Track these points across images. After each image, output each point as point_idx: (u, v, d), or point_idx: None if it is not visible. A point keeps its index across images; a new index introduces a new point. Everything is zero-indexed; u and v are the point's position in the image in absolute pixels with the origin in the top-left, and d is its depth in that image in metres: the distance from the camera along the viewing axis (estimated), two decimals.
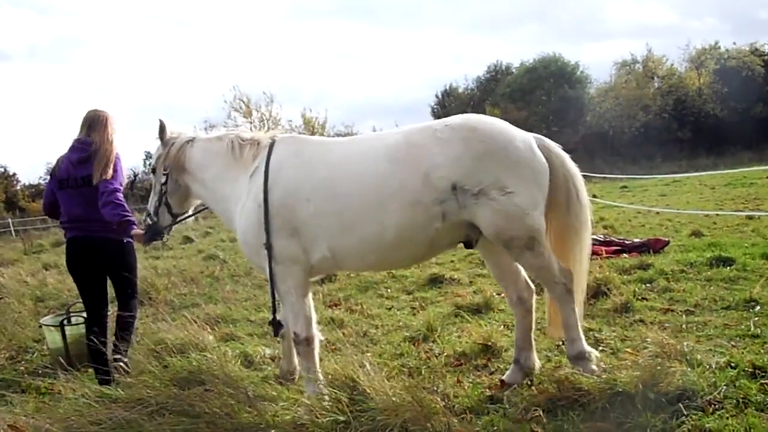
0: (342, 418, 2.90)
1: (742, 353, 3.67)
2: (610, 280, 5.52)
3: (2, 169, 44.76)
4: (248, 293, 7.17)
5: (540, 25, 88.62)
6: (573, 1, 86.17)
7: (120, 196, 4.23)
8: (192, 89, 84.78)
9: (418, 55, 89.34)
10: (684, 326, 4.47)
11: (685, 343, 3.65)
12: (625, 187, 22.22)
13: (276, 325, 3.71)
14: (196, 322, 5.41)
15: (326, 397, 3.11)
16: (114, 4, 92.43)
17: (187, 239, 14.86)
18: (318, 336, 3.73)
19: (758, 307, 4.69)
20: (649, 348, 3.60)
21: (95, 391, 3.60)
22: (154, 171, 4.26)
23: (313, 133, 46.63)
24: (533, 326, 3.76)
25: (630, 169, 27.47)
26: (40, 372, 4.63)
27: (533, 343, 3.71)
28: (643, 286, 5.83)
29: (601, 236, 8.62)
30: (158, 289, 7.46)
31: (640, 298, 5.36)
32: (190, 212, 4.47)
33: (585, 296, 5.31)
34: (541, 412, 3.13)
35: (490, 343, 4.22)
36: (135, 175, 49.90)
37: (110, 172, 4.22)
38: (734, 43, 43.83)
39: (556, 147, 3.53)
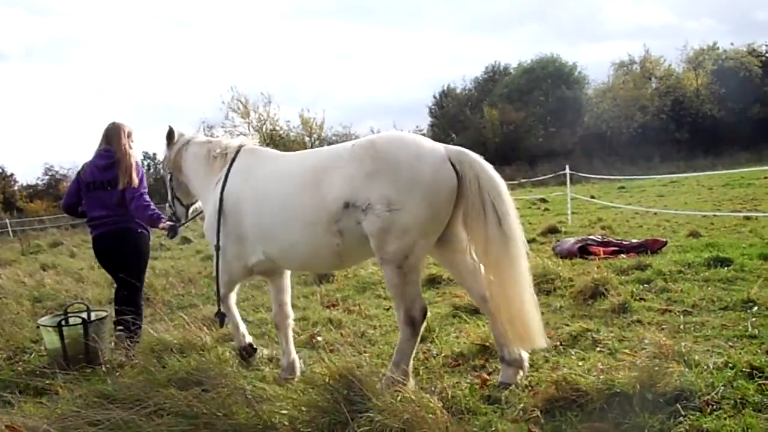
0: (340, 419, 2.90)
1: (740, 354, 3.67)
2: (607, 281, 5.52)
3: (0, 170, 44.71)
4: (246, 294, 7.17)
5: (538, 25, 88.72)
6: (571, 2, 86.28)
7: (146, 198, 4.92)
8: (190, 89, 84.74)
9: (416, 56, 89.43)
10: (682, 327, 4.48)
11: (682, 344, 3.66)
12: (623, 187, 22.25)
13: (221, 317, 4.21)
14: (194, 322, 5.43)
15: (324, 398, 3.12)
16: (111, 5, 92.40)
17: (185, 240, 14.84)
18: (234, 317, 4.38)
19: (756, 308, 4.70)
20: (646, 348, 3.61)
21: (93, 391, 3.60)
22: (163, 170, 4.88)
23: (311, 134, 46.65)
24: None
25: (628, 170, 27.50)
26: (37, 372, 4.62)
27: (509, 335, 3.63)
28: (641, 286, 5.84)
29: (599, 237, 8.64)
30: (156, 289, 7.46)
31: (637, 298, 5.37)
32: (198, 204, 4.85)
33: (583, 297, 5.42)
34: (539, 413, 3.13)
35: (487, 344, 4.21)
36: None
37: (135, 180, 4.90)
38: (732, 44, 43.98)
39: (472, 160, 3.49)
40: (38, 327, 5.11)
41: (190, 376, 3.57)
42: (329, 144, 46.48)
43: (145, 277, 5.27)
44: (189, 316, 6.05)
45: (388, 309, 5.98)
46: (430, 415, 2.88)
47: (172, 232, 4.71)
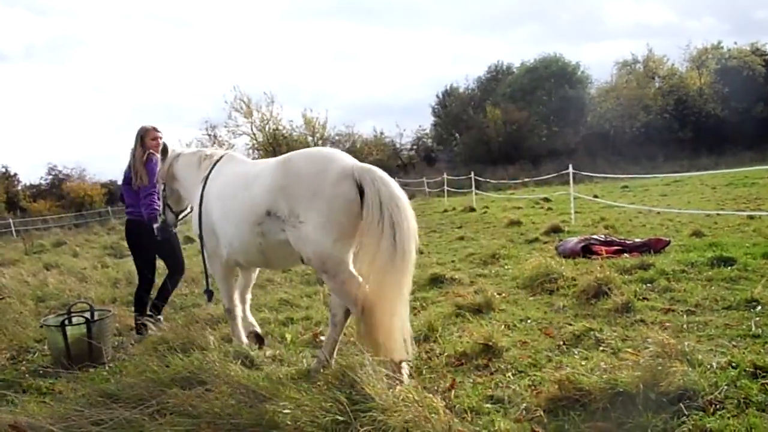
0: (342, 418, 2.90)
1: (743, 353, 3.66)
2: (611, 280, 5.52)
3: (3, 170, 44.81)
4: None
5: (540, 25, 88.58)
6: (573, 1, 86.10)
7: (153, 197, 5.57)
8: (191, 89, 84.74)
9: (418, 55, 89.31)
10: (685, 326, 4.47)
11: (686, 343, 3.65)
12: (626, 186, 22.22)
13: (209, 294, 4.86)
14: (197, 322, 5.44)
15: (327, 397, 3.12)
16: (112, 4, 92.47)
17: (188, 239, 14.85)
18: (239, 307, 4.74)
19: (759, 307, 4.68)
20: (650, 348, 3.60)
21: (96, 390, 3.61)
22: (157, 182, 5.41)
23: (314, 133, 46.71)
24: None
25: (631, 169, 27.46)
26: (41, 372, 4.64)
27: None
28: (644, 286, 5.83)
29: (602, 236, 8.63)
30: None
31: (641, 298, 5.36)
32: (188, 210, 5.42)
33: (586, 296, 5.41)
34: (542, 412, 3.13)
35: (491, 343, 4.21)
36: None
37: (146, 179, 5.66)
38: (735, 43, 43.86)
39: (375, 176, 3.63)
40: (42, 326, 5.13)
41: (193, 376, 3.57)
42: (332, 144, 46.68)
43: (177, 259, 6.05)
44: (192, 315, 6.08)
45: None
46: (433, 415, 2.88)
47: (162, 233, 5.35)
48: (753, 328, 4.19)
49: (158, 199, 5.42)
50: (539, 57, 47.56)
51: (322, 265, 3.72)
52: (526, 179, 27.75)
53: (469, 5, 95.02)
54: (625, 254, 7.64)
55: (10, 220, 31.30)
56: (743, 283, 5.57)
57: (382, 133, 49.77)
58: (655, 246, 7.82)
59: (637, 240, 8.30)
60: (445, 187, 24.98)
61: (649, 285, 5.85)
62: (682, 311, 4.87)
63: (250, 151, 46.21)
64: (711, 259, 6.44)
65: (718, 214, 11.32)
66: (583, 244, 8.09)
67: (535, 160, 39.01)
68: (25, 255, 16.01)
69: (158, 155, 5.41)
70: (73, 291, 8.11)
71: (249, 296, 4.99)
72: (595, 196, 16.29)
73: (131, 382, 3.65)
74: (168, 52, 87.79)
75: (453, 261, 8.79)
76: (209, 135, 46.88)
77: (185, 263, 6.24)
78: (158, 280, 6.06)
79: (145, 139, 5.91)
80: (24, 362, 5.11)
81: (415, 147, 51.97)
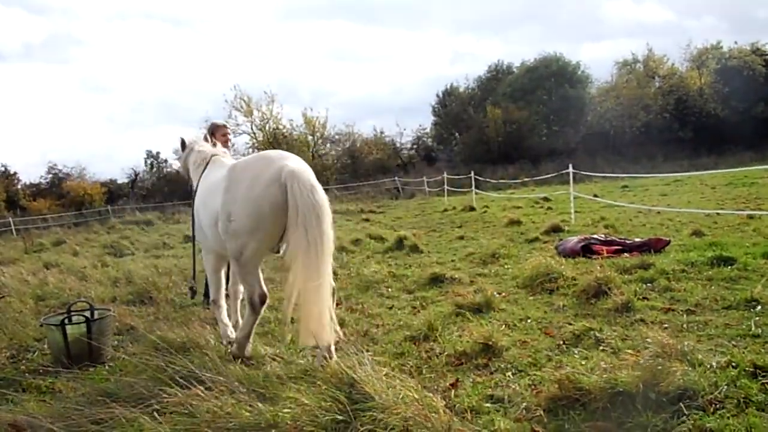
0: (342, 417, 2.90)
1: (743, 353, 3.67)
2: (610, 280, 5.52)
3: (3, 168, 44.78)
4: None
5: (541, 24, 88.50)
6: (573, 1, 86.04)
7: None
8: (190, 88, 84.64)
9: (418, 55, 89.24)
10: (685, 326, 4.47)
11: (686, 343, 3.65)
12: (626, 186, 22.21)
13: (192, 291, 5.66)
14: (196, 321, 5.44)
15: (327, 396, 3.12)
16: (111, 4, 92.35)
17: (188, 238, 14.86)
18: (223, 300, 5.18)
19: (759, 307, 4.69)
20: (649, 348, 3.60)
21: (96, 389, 3.61)
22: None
23: (314, 133, 46.73)
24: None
25: (631, 169, 27.44)
26: (41, 371, 4.64)
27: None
28: (644, 285, 5.83)
29: (602, 236, 8.63)
30: (159, 288, 7.47)
31: (641, 297, 5.36)
32: None
33: (586, 296, 5.41)
34: (542, 412, 3.13)
35: (490, 343, 4.22)
36: (136, 174, 50.06)
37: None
38: (735, 43, 43.80)
39: (299, 182, 3.98)
40: (42, 325, 5.13)
41: (193, 375, 3.57)
42: (332, 143, 46.64)
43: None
44: (192, 314, 6.08)
45: (390, 308, 5.99)
46: (433, 414, 2.88)
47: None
48: (753, 328, 4.20)
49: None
50: (539, 56, 47.52)
51: (239, 255, 4.22)
52: (526, 179, 27.71)
53: (470, 4, 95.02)
54: (625, 254, 7.64)
55: (10, 219, 31.25)
56: (743, 282, 5.58)
57: (382, 133, 49.76)
58: (655, 246, 7.82)
59: (637, 239, 8.29)
60: (445, 187, 24.97)
61: (649, 285, 5.85)
62: (682, 311, 4.87)
63: (251, 150, 46.20)
64: (711, 258, 6.44)
65: (718, 214, 11.32)
66: (583, 243, 8.09)
67: (535, 160, 38.98)
68: (25, 254, 16.01)
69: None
70: (73, 290, 8.10)
71: (241, 290, 5.06)
72: (595, 196, 16.29)
73: (131, 381, 3.65)
74: (168, 52, 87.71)
75: (453, 260, 8.79)
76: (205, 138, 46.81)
77: None
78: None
79: (215, 135, 6.24)
80: (24, 361, 5.11)
81: (415, 146, 51.97)
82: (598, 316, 4.93)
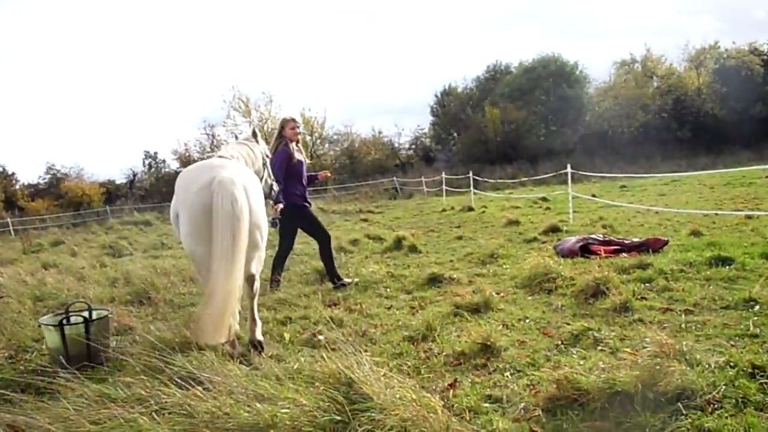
0: (340, 418, 2.90)
1: (741, 353, 3.67)
2: (609, 280, 5.52)
3: (1, 169, 44.69)
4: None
5: (539, 24, 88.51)
6: (572, 1, 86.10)
7: (279, 182, 6.53)
8: (190, 88, 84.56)
9: (416, 55, 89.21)
10: (683, 326, 4.48)
11: (684, 343, 3.66)
12: (624, 186, 22.23)
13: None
14: (195, 321, 5.43)
15: (325, 397, 3.12)
16: (110, 3, 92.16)
17: None
18: None
19: (757, 307, 4.69)
20: (648, 347, 3.61)
21: (94, 390, 3.60)
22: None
23: (312, 133, 46.70)
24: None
25: (629, 169, 27.46)
26: (39, 371, 4.61)
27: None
28: (642, 285, 5.83)
29: (601, 236, 8.63)
30: (158, 288, 7.46)
31: (639, 297, 5.37)
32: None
33: (585, 296, 5.42)
34: (540, 412, 3.14)
35: (489, 343, 4.22)
36: (134, 174, 49.99)
37: (274, 168, 6.50)
38: (733, 43, 43.84)
39: (218, 189, 4.27)
40: (40, 326, 5.12)
41: (192, 375, 3.57)
42: (330, 143, 46.58)
43: (318, 231, 7.27)
44: (190, 314, 6.07)
45: (389, 308, 5.99)
46: (431, 414, 2.88)
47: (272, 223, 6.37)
48: (751, 328, 4.20)
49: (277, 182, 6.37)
50: (537, 57, 47.51)
51: (191, 255, 4.69)
52: (525, 179, 27.73)
53: (468, 4, 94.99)
54: (624, 254, 7.64)
55: (8, 219, 31.21)
56: (741, 282, 5.58)
57: (380, 133, 49.70)
58: (654, 245, 7.83)
59: (636, 239, 8.30)
60: (444, 187, 24.97)
61: (647, 284, 5.86)
62: (680, 311, 4.88)
63: None
64: (709, 258, 6.44)
65: (716, 214, 11.33)
66: (581, 243, 8.10)
67: (533, 160, 38.98)
68: (23, 254, 15.99)
69: (293, 145, 6.75)
70: (71, 290, 8.09)
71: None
72: (594, 196, 16.30)
73: (129, 382, 3.64)
74: (167, 51, 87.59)
75: (451, 260, 8.79)
76: (208, 134, 46.87)
77: (326, 232, 7.30)
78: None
79: (285, 128, 6.83)
80: (22, 362, 5.10)
81: (413, 146, 51.94)
82: (597, 316, 4.93)
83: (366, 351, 4.38)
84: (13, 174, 45.63)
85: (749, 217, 10.27)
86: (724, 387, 3.15)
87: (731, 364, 3.47)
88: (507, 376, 3.80)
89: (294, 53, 79.48)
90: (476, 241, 10.88)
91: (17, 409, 3.56)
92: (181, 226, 4.53)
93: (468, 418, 3.18)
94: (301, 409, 3.03)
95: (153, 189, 45.78)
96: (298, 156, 7.06)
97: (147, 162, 49.82)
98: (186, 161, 43.72)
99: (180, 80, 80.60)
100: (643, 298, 5.38)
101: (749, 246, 7.25)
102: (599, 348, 4.12)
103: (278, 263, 7.25)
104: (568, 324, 4.75)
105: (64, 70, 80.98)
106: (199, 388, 3.31)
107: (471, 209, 18.32)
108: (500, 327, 4.87)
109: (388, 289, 6.83)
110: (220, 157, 5.18)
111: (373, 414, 2.87)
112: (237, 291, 4.24)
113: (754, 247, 7.11)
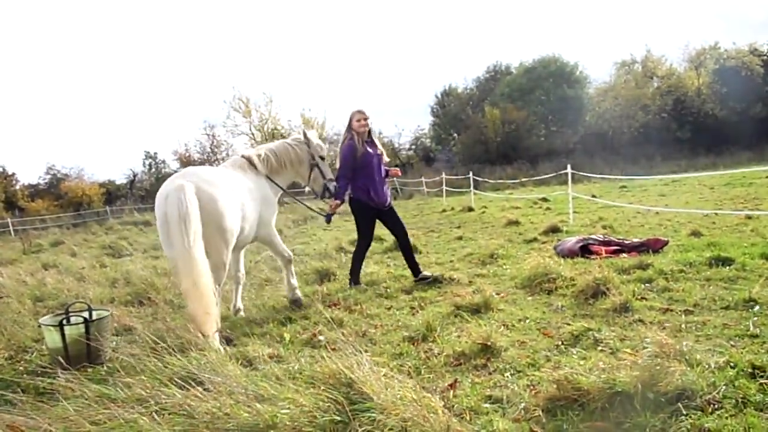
0: (340, 418, 2.90)
1: (742, 353, 3.67)
2: (609, 280, 5.52)
3: (1, 169, 44.69)
4: (247, 293, 7.17)
5: (539, 25, 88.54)
6: (572, 1, 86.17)
7: (341, 178, 6.72)
8: (190, 88, 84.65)
9: (417, 55, 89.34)
10: (683, 326, 4.48)
11: (684, 343, 3.65)
12: (625, 187, 22.23)
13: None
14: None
15: (325, 397, 3.12)
16: (110, 4, 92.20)
17: None
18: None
19: (757, 307, 4.69)
20: (648, 348, 3.60)
21: (95, 391, 3.60)
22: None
23: None
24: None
25: (629, 169, 27.50)
26: (39, 372, 4.62)
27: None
28: (643, 285, 5.83)
29: (601, 236, 8.63)
30: (158, 288, 7.47)
31: (639, 297, 5.36)
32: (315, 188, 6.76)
33: (585, 296, 5.42)
34: (540, 412, 3.13)
35: (489, 343, 4.22)
36: (134, 175, 50.02)
37: (341, 162, 6.77)
38: (733, 43, 43.90)
39: (175, 196, 4.66)
40: (40, 326, 5.12)
41: (192, 376, 3.57)
42: (330, 143, 46.70)
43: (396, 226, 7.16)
44: (190, 315, 6.06)
45: (389, 308, 5.99)
46: (432, 414, 2.88)
47: (327, 219, 7.00)
48: (751, 328, 4.20)
49: (341, 179, 6.67)
50: (538, 57, 47.66)
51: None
52: (525, 179, 27.75)
53: (469, 5, 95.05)
54: (624, 254, 7.64)
55: (8, 220, 31.23)
56: (741, 282, 5.58)
57: (380, 133, 49.74)
58: (654, 246, 7.83)
59: (636, 240, 8.30)
60: (444, 187, 24.97)
61: (647, 285, 5.85)
62: (680, 311, 4.87)
63: None
64: (709, 258, 6.44)
65: (716, 214, 11.33)
66: (581, 244, 8.10)
67: (533, 160, 39.04)
68: (23, 254, 16.00)
69: (359, 138, 6.67)
70: (71, 291, 8.09)
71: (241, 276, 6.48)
72: (594, 196, 16.30)
73: (129, 382, 3.64)
74: (168, 52, 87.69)
75: (451, 261, 8.79)
76: (208, 135, 46.94)
77: (370, 236, 7.13)
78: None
79: (352, 121, 6.72)
80: (22, 362, 5.10)
81: (413, 147, 52.05)
82: (597, 317, 4.93)
83: (366, 351, 4.37)
84: (14, 174, 45.72)
85: (749, 217, 10.27)
86: (724, 387, 3.15)
87: (731, 364, 3.47)
88: (507, 377, 3.80)
89: (294, 54, 79.57)
90: (476, 241, 10.88)
91: (17, 410, 3.56)
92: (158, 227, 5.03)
93: (468, 418, 3.18)
94: (301, 409, 3.03)
95: (153, 189, 45.76)
96: (367, 149, 6.81)
97: (147, 162, 49.95)
98: (186, 161, 43.81)
99: (181, 81, 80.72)
100: (643, 298, 5.38)
101: (749, 246, 7.24)
102: (599, 348, 4.12)
103: (356, 260, 7.12)
104: (568, 324, 4.75)
105: (65, 71, 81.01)
106: (200, 388, 3.31)
107: (471, 209, 18.32)
108: (500, 327, 4.87)
109: (388, 290, 6.82)
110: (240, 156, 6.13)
111: (373, 414, 2.86)
112: (203, 286, 4.50)
113: (754, 247, 7.10)
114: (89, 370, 4.54)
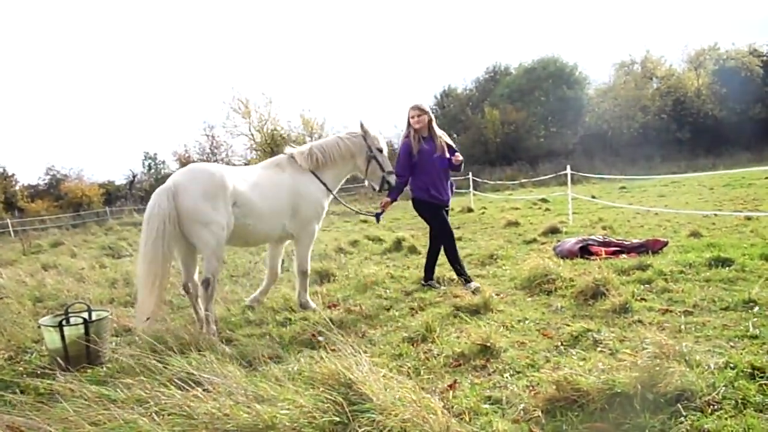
0: (339, 419, 2.90)
1: (741, 354, 3.67)
2: (608, 281, 5.52)
3: (1, 170, 44.69)
4: (247, 294, 7.16)
5: (539, 25, 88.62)
6: (571, 1, 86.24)
7: (390, 178, 6.52)
8: (189, 89, 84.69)
9: (416, 55, 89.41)
10: (683, 327, 4.48)
11: (683, 344, 3.65)
12: (624, 187, 22.24)
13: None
14: (194, 322, 5.44)
15: (324, 398, 3.12)
16: (110, 4, 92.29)
17: None
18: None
19: (757, 308, 4.69)
20: (647, 349, 3.60)
21: (94, 391, 3.60)
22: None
23: (311, 134, 46.73)
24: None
25: (629, 170, 27.49)
26: (38, 372, 4.62)
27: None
28: (642, 286, 5.84)
29: (600, 237, 8.64)
30: None
31: (638, 298, 5.37)
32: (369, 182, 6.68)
33: (584, 297, 5.42)
34: (539, 413, 3.13)
35: (488, 344, 4.22)
36: (134, 176, 50.04)
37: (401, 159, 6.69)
38: (733, 44, 43.97)
39: (155, 194, 5.26)
40: (39, 327, 5.12)
41: (191, 376, 3.57)
42: None
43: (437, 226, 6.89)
44: (189, 316, 6.07)
45: (388, 309, 5.99)
46: (431, 415, 2.88)
47: (376, 217, 6.97)
48: (750, 329, 4.20)
49: (398, 175, 6.55)
50: (537, 58, 47.69)
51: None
52: (524, 180, 27.77)
53: (468, 5, 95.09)
54: (623, 255, 7.65)
55: (8, 221, 31.21)
56: (741, 283, 5.59)
57: (380, 134, 49.78)
58: (653, 247, 7.83)
59: (635, 241, 8.30)
60: None
61: (646, 286, 5.86)
62: (679, 312, 4.88)
63: (248, 151, 46.22)
64: (709, 259, 6.45)
65: (715, 215, 11.34)
66: (581, 244, 8.10)
67: (532, 161, 39.06)
68: (23, 255, 15.97)
69: (415, 135, 6.59)
70: (70, 291, 8.08)
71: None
72: (593, 197, 16.32)
73: (129, 383, 3.64)
74: (168, 53, 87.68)
75: None
76: (207, 136, 46.96)
77: (448, 229, 6.87)
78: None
79: (408, 117, 6.68)
80: (21, 363, 5.10)
81: None
82: (596, 317, 4.93)
83: (365, 352, 4.37)
84: (13, 175, 45.74)
85: (749, 218, 10.28)
86: (723, 388, 3.15)
87: (731, 365, 3.47)
88: (506, 377, 3.80)
89: (294, 55, 79.57)
90: (476, 242, 10.88)
91: (17, 410, 3.56)
92: None
93: (468, 419, 3.18)
94: (300, 410, 3.03)
95: (152, 190, 45.57)
96: (424, 145, 6.64)
97: (147, 163, 50.00)
98: (185, 162, 43.76)
99: (180, 82, 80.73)
100: (642, 299, 5.38)
101: (749, 247, 7.25)
102: (599, 349, 4.12)
103: (451, 258, 6.78)
104: (568, 325, 4.75)
105: (65, 72, 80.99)
106: (199, 389, 3.31)
107: (470, 210, 18.34)
108: (500, 328, 4.87)
109: (387, 291, 6.83)
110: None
111: (372, 415, 2.87)
112: (152, 280, 5.00)
113: (754, 248, 7.11)
114: (89, 370, 4.55)
